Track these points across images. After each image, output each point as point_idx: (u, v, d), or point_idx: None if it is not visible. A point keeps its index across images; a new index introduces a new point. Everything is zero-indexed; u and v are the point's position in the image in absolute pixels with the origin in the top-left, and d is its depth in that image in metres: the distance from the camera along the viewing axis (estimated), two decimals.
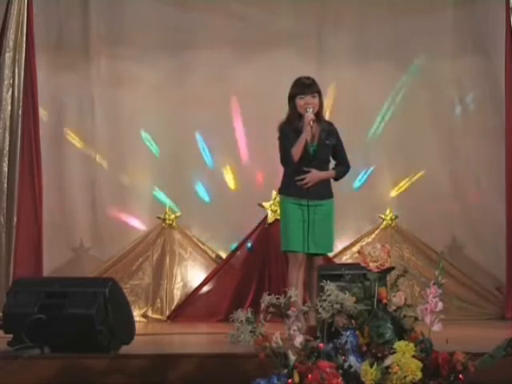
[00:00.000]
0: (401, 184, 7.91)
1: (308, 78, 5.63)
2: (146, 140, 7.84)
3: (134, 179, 7.80)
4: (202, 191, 7.84)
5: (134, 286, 7.57)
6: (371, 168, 7.87)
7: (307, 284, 5.59)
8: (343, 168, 5.71)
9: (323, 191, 5.60)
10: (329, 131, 5.62)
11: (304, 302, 4.49)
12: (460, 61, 7.93)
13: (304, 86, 5.55)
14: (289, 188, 5.61)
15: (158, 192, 7.80)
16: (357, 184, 7.79)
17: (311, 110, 5.46)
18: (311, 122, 5.43)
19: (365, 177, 7.84)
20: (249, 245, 7.56)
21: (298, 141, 5.46)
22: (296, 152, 5.48)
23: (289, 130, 5.55)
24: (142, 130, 7.82)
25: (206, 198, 7.83)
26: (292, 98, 5.57)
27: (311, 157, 5.55)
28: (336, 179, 5.71)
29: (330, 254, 6.62)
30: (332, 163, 5.74)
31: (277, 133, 5.64)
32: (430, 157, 7.90)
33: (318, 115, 5.59)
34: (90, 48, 7.77)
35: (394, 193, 7.92)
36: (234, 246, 7.67)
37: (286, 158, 5.55)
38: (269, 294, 3.28)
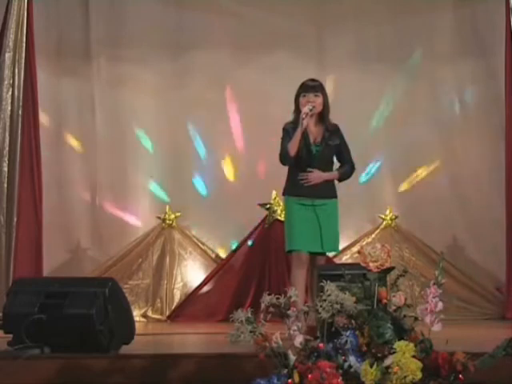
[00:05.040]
0: (401, 184, 7.91)
1: (314, 80, 5.65)
2: (146, 141, 7.84)
3: (134, 180, 7.80)
4: (202, 192, 7.84)
5: (134, 286, 7.57)
6: (371, 168, 7.87)
7: (309, 284, 5.59)
8: (348, 169, 5.71)
9: (327, 191, 5.61)
10: (332, 132, 5.63)
11: (305, 303, 4.49)
12: (460, 61, 7.93)
13: (308, 86, 5.59)
14: (292, 188, 5.61)
15: (158, 192, 7.81)
16: (358, 185, 7.76)
17: (310, 106, 5.48)
18: (303, 116, 5.44)
19: (365, 177, 7.83)
20: (250, 242, 7.55)
21: (293, 136, 5.48)
22: (291, 147, 5.48)
23: (290, 128, 5.56)
24: (142, 131, 7.82)
25: (206, 199, 7.83)
26: (297, 98, 5.60)
27: (314, 157, 5.56)
28: (340, 180, 5.71)
29: (331, 254, 6.62)
30: (336, 164, 5.75)
31: (280, 133, 5.66)
32: (430, 157, 7.90)
33: (322, 117, 5.59)
34: (90, 49, 7.78)
35: (393, 193, 7.92)
36: (235, 244, 7.68)
37: (282, 153, 5.57)
38: (269, 294, 3.28)
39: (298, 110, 5.58)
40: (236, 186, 7.80)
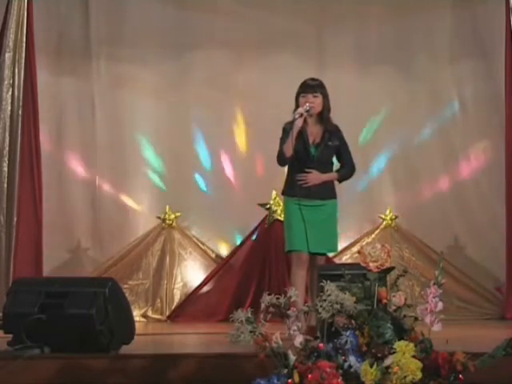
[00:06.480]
0: (401, 184, 7.90)
1: (315, 79, 5.64)
2: (146, 141, 7.84)
3: (134, 179, 7.80)
4: (202, 192, 7.84)
5: (134, 286, 7.57)
6: (371, 168, 7.88)
7: (309, 284, 5.59)
8: (347, 170, 5.70)
9: (326, 192, 5.60)
10: (332, 132, 5.62)
11: (305, 303, 4.49)
12: (460, 61, 7.93)
13: (307, 86, 5.57)
14: (292, 189, 5.60)
15: (158, 192, 7.81)
16: (358, 186, 7.75)
17: (307, 107, 5.47)
18: (297, 116, 5.43)
19: (365, 177, 7.82)
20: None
21: (289, 137, 5.47)
22: (287, 148, 5.47)
23: (289, 128, 5.55)
24: (142, 131, 7.82)
25: (206, 199, 7.83)
26: (297, 97, 5.60)
27: (313, 158, 5.55)
28: (340, 181, 5.71)
29: (331, 254, 6.62)
30: (336, 165, 5.75)
31: (280, 133, 5.66)
32: (429, 157, 7.90)
33: (322, 117, 5.58)
34: (90, 49, 7.78)
35: (393, 193, 7.91)
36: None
37: (278, 154, 5.57)
38: (269, 294, 3.28)
39: (296, 109, 5.57)
40: (236, 186, 7.80)
